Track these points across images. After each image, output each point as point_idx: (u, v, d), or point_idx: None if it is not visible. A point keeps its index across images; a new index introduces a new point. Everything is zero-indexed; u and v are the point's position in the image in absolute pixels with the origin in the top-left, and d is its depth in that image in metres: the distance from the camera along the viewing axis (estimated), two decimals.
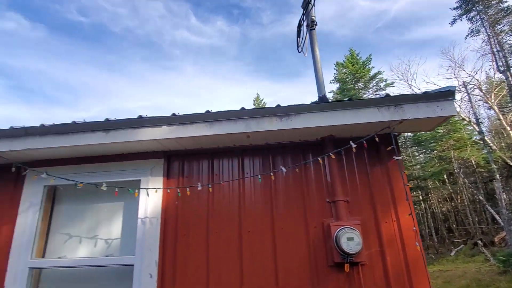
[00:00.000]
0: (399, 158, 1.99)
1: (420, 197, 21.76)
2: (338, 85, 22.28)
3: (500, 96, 16.19)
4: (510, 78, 12.99)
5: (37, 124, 2.03)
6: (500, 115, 16.02)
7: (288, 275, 1.96)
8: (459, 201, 22.27)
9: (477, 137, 18.54)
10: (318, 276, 1.93)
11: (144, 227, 2.15)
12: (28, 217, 2.26)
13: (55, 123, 2.06)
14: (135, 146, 2.16)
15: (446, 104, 1.91)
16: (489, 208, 13.73)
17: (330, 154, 1.95)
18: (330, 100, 2.17)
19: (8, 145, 2.09)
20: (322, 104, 1.98)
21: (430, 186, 21.68)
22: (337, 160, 2.11)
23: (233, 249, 2.02)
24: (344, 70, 21.41)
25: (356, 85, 20.49)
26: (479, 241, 14.09)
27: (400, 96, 1.95)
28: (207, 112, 1.94)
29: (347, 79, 21.14)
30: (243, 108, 1.94)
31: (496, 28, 13.46)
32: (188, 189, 2.08)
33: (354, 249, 1.77)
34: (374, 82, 20.59)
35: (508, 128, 15.18)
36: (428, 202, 24.30)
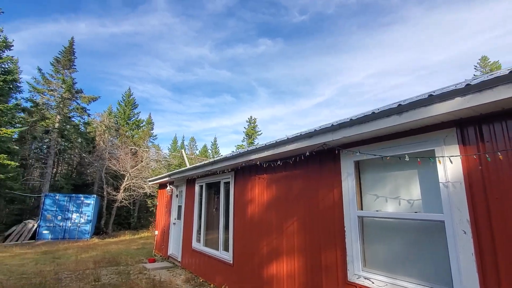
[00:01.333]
0: None
1: None
2: None
3: None
4: None
5: (347, 119, 2.91)
6: None
7: None
8: None
9: None
10: None
11: (447, 190, 2.43)
12: (348, 182, 3.29)
13: (358, 116, 2.84)
14: (425, 121, 2.47)
15: None
16: None
17: None
18: None
19: (330, 137, 3.18)
20: None
21: None
22: None
23: None
24: None
25: None
26: None
27: None
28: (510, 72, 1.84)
29: None
30: None
31: None
32: (499, 153, 2.08)
33: None
34: None
35: None
36: None
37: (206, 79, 71.34)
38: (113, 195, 21.90)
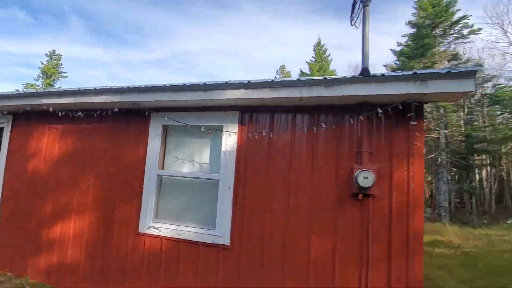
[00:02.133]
0: (415, 123, 2.55)
1: (487, 161, 19.98)
2: (413, 30, 19.57)
3: None
4: None
5: (162, 85, 3.09)
6: None
7: (320, 197, 2.87)
8: None
9: None
10: (342, 201, 2.80)
11: (225, 157, 3.22)
12: (154, 143, 3.53)
13: (172, 84, 3.09)
14: (221, 102, 3.10)
15: (467, 82, 2.33)
16: None
17: (360, 117, 2.62)
18: (371, 72, 2.68)
19: (142, 97, 3.24)
20: (360, 77, 2.58)
21: (501, 150, 19.57)
22: (368, 120, 2.76)
23: (284, 175, 2.98)
24: (422, 14, 18.61)
25: (434, 32, 17.86)
26: None
27: (426, 73, 2.42)
28: (272, 81, 2.72)
29: (424, 24, 18.42)
30: (298, 79, 2.67)
31: None
32: (256, 134, 3.01)
33: (367, 184, 2.55)
34: (456, 28, 17.64)
35: None
36: (499, 167, 22.30)
37: None
38: None
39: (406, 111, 2.64)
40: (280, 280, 2.88)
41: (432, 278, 6.36)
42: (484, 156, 19.82)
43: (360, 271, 2.67)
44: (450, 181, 18.36)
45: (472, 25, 17.87)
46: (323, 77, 2.60)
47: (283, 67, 38.50)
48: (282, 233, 2.94)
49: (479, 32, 17.86)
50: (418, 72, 2.43)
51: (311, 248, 2.83)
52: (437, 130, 17.11)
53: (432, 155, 16.87)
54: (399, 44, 20.96)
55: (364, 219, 2.71)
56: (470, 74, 2.29)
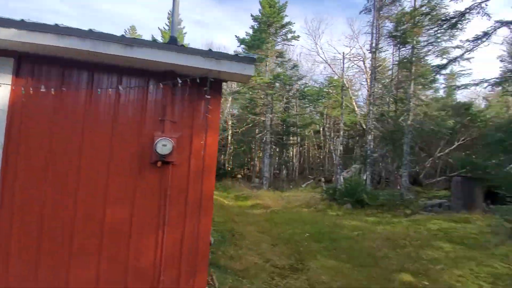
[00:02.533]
0: (209, 97, 2.88)
1: (296, 141, 26.40)
2: (256, 23, 22.16)
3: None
4: (373, 61, 16.44)
5: None
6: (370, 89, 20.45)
7: (121, 164, 2.75)
8: (325, 149, 28.45)
9: (350, 101, 23.08)
10: (143, 167, 2.80)
11: None
12: None
13: None
14: None
15: (249, 67, 2.82)
16: (334, 156, 18.72)
17: (161, 84, 2.67)
18: (178, 43, 2.76)
19: None
20: (162, 44, 2.59)
21: (305, 134, 26.44)
22: (172, 90, 2.85)
23: (75, 139, 2.63)
24: (263, 11, 21.39)
25: (269, 29, 21.05)
26: (322, 178, 19.28)
27: (220, 53, 2.74)
28: (56, 25, 2.26)
29: (263, 20, 21.31)
30: (91, 30, 2.35)
31: (380, 13, 16.06)
32: (39, 89, 2.44)
33: (165, 152, 2.67)
34: (284, 31, 21.71)
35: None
36: (304, 146, 29.93)
37: None
38: None
39: (205, 86, 2.91)
40: (67, 257, 2.59)
41: (243, 232, 7.78)
42: (295, 137, 25.86)
43: (157, 230, 2.81)
44: (272, 156, 22.80)
45: (295, 32, 22.32)
46: (122, 35, 2.42)
47: (133, 27, 33.95)
48: (71, 203, 2.62)
49: (298, 39, 22.57)
50: (214, 51, 2.71)
51: (106, 217, 2.70)
52: (264, 114, 20.65)
53: (260, 135, 20.37)
54: (247, 34, 23.15)
55: (163, 184, 2.84)
56: (250, 60, 2.78)
